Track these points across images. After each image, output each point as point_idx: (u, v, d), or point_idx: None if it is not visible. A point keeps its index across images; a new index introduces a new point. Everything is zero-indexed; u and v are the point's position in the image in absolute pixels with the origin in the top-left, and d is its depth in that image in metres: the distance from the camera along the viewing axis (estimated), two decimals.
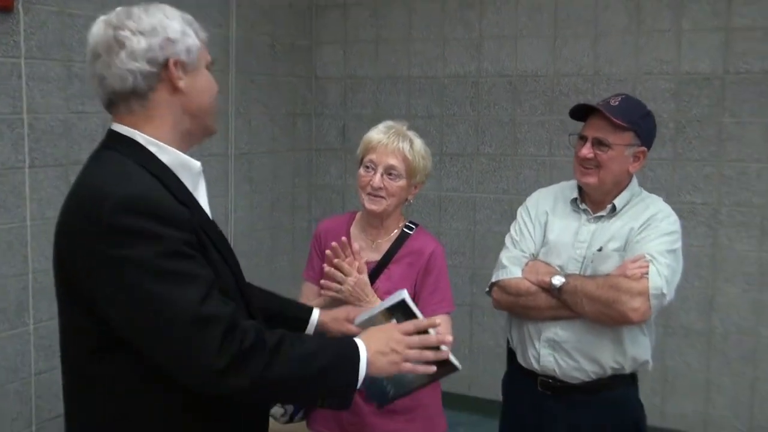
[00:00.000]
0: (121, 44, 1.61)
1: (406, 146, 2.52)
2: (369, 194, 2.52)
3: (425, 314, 2.44)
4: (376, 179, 2.50)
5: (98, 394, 1.61)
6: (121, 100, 1.65)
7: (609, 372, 2.56)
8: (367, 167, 2.53)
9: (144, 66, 1.62)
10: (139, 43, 1.61)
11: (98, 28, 1.65)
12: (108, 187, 1.54)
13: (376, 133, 2.55)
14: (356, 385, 1.68)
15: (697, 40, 4.07)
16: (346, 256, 2.46)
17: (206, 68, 1.74)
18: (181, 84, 1.66)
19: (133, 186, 1.55)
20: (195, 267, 1.54)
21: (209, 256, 1.62)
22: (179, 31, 1.66)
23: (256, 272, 4.32)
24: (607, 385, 2.58)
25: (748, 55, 3.98)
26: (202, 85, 1.72)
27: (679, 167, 4.14)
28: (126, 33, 1.62)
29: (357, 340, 1.74)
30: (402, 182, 2.52)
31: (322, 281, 2.50)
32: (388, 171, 2.50)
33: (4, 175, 3.04)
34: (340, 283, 2.45)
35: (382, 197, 2.51)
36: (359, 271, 2.45)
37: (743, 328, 4.07)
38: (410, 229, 2.60)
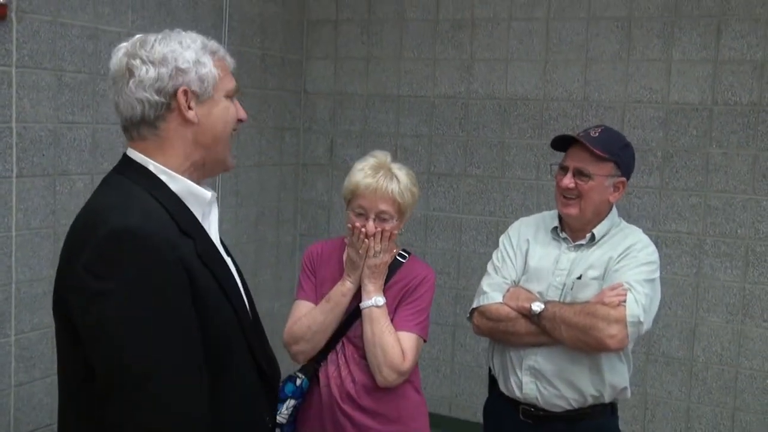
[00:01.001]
0: (131, 73, 1.62)
1: (394, 188, 2.51)
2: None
3: (395, 328, 2.50)
4: (369, 226, 2.51)
5: (95, 417, 1.58)
6: (132, 127, 1.66)
7: (590, 400, 2.59)
8: (358, 214, 2.53)
9: (152, 96, 1.61)
10: (147, 73, 1.61)
11: (117, 56, 1.66)
12: (107, 215, 1.54)
13: (363, 177, 2.53)
14: None
15: (687, 70, 4.11)
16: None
17: (227, 96, 1.72)
18: (191, 114, 1.65)
19: (131, 216, 1.54)
20: (167, 316, 1.52)
21: (202, 291, 1.59)
22: (191, 60, 1.65)
23: None
24: (588, 414, 2.61)
25: (736, 87, 4.02)
26: (216, 116, 1.70)
27: (665, 196, 4.17)
28: (136, 62, 1.62)
29: None
30: (394, 223, 2.53)
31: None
32: (380, 216, 2.51)
33: None
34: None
35: (375, 241, 2.52)
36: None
37: (725, 359, 4.09)
38: (403, 257, 2.62)
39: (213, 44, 1.72)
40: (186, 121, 1.65)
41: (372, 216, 2.51)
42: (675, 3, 4.11)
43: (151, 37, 1.66)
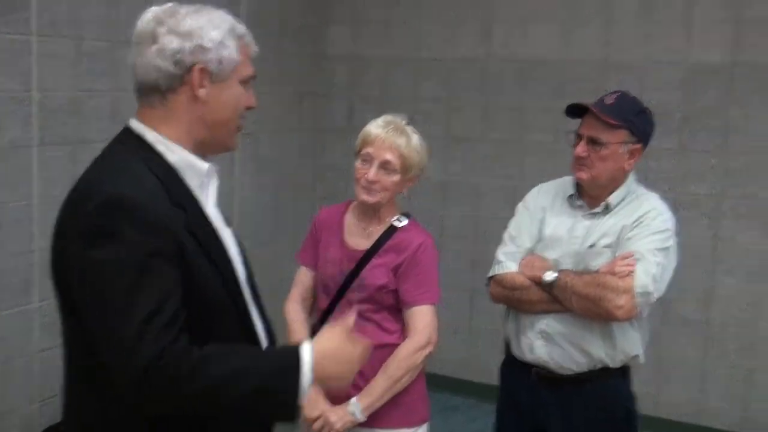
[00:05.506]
0: (155, 39, 1.63)
1: (402, 142, 2.57)
2: (363, 187, 2.58)
3: (406, 303, 2.58)
4: (371, 173, 2.55)
5: (98, 396, 1.60)
6: (144, 91, 1.67)
7: (599, 365, 2.62)
8: (364, 160, 2.58)
9: (169, 66, 1.62)
10: (171, 43, 1.62)
11: (146, 18, 1.66)
12: (99, 185, 1.56)
13: (375, 128, 2.60)
14: (296, 399, 1.59)
15: (708, 30, 4.06)
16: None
17: (242, 82, 1.72)
18: (202, 93, 1.66)
19: (123, 186, 1.55)
20: (155, 282, 1.51)
21: (191, 264, 1.59)
22: (217, 40, 1.65)
23: (258, 252, 4.31)
24: (599, 377, 2.64)
25: (758, 48, 3.97)
26: (226, 99, 1.70)
27: (683, 158, 4.15)
28: (162, 30, 1.63)
29: (304, 346, 1.64)
30: (396, 177, 2.57)
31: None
32: (384, 166, 2.56)
33: (13, 152, 3.06)
34: None
35: (375, 190, 2.57)
36: None
37: (741, 321, 4.10)
38: (400, 221, 2.66)
39: (241, 28, 1.72)
40: (196, 98, 1.66)
41: (376, 165, 2.55)
42: None
43: (183, 9, 1.66)
